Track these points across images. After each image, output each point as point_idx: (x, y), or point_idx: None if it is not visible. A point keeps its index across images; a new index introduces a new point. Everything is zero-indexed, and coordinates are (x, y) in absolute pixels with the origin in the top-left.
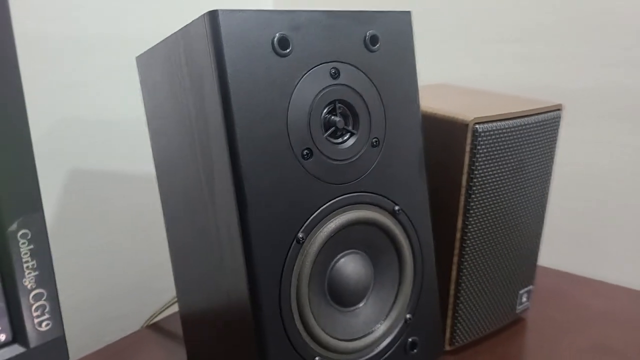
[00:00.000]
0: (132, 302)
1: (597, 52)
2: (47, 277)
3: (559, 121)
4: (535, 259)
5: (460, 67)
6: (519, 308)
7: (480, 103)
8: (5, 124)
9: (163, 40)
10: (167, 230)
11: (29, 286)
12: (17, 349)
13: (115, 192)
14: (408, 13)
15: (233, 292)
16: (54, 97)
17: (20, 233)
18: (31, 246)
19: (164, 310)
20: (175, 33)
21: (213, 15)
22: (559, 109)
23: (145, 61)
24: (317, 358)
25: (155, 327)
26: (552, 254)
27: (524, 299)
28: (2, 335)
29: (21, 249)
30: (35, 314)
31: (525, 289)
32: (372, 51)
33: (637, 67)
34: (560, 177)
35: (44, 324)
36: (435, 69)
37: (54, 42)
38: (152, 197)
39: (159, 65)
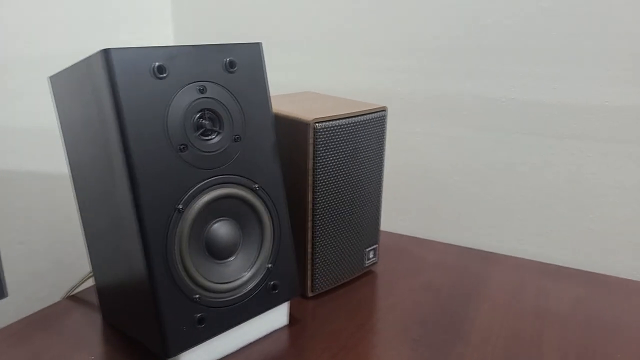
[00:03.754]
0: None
1: (424, 65)
2: None
3: (384, 119)
4: (378, 224)
5: (326, 77)
6: (368, 262)
7: (325, 107)
8: None
9: (72, 65)
10: (81, 215)
11: None
12: None
13: (31, 188)
14: (258, 44)
15: (133, 254)
16: None
17: None
18: None
19: (82, 283)
20: (81, 61)
21: (106, 52)
22: (384, 110)
23: (58, 80)
24: (196, 296)
25: (75, 299)
26: (403, 222)
27: (371, 255)
28: None
29: None
30: None
31: (371, 248)
32: (231, 72)
33: (455, 77)
34: (401, 163)
35: None
36: (306, 78)
37: None
38: (65, 192)
39: (70, 84)
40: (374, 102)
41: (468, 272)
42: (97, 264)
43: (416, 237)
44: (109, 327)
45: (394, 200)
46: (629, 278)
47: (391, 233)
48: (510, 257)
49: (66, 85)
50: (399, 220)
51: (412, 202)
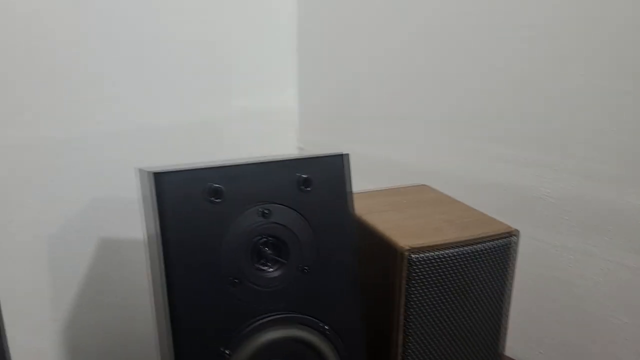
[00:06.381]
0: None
1: (584, 163)
2: None
3: (513, 247)
4: None
5: (452, 162)
6: None
7: (432, 222)
8: None
9: (145, 169)
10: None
11: None
12: None
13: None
14: (342, 156)
15: None
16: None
17: None
18: None
19: None
20: (147, 172)
21: (156, 176)
22: (514, 235)
23: (140, 176)
24: None
25: None
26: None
27: None
28: None
29: None
30: None
31: None
32: (305, 192)
33: (627, 183)
34: (543, 286)
35: None
36: (427, 160)
37: None
38: None
39: (144, 186)
40: (507, 206)
41: None
42: None
43: None
44: None
45: (530, 331)
46: None
47: None
48: None
49: (142, 184)
50: (537, 356)
51: (556, 339)
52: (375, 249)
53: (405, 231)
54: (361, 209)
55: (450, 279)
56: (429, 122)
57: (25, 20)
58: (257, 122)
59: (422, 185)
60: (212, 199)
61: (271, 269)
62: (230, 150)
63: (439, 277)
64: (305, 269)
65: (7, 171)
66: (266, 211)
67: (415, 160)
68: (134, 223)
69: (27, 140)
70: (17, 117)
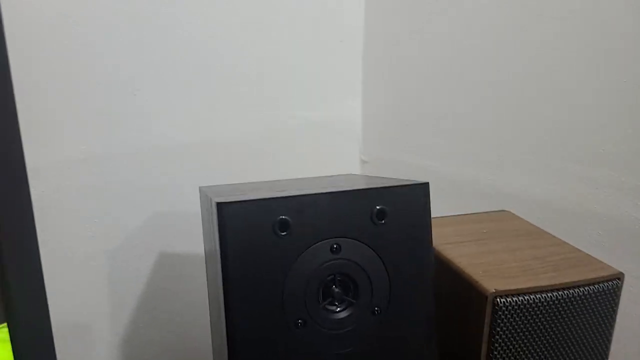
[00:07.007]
0: None
1: None
2: None
3: (618, 293)
4: None
5: (539, 184)
6: None
7: (521, 259)
8: None
9: (204, 191)
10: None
11: None
12: None
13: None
14: (424, 185)
15: None
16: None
17: None
18: None
19: None
20: (210, 198)
21: (220, 206)
22: (618, 279)
23: (202, 195)
24: None
25: None
26: None
27: None
28: None
29: None
30: None
31: None
32: (379, 224)
33: None
34: None
35: None
36: (510, 180)
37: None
38: None
39: (205, 207)
40: (600, 237)
41: None
42: None
43: None
44: None
45: None
46: None
47: None
48: None
49: (204, 205)
50: None
51: None
52: (453, 288)
53: (489, 269)
54: (435, 239)
55: (542, 327)
56: (508, 138)
57: (95, 37)
58: (319, 134)
59: (504, 211)
60: (279, 231)
61: (339, 309)
62: (291, 162)
63: (529, 325)
64: (377, 311)
65: (67, 187)
66: (336, 246)
67: (492, 180)
68: (192, 238)
69: (86, 155)
70: (77, 133)
